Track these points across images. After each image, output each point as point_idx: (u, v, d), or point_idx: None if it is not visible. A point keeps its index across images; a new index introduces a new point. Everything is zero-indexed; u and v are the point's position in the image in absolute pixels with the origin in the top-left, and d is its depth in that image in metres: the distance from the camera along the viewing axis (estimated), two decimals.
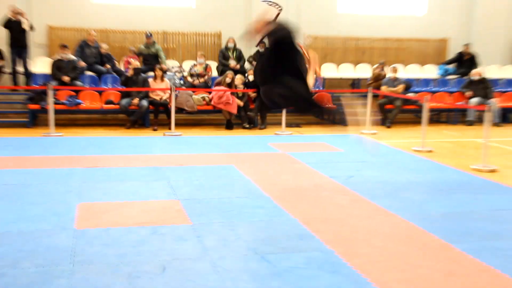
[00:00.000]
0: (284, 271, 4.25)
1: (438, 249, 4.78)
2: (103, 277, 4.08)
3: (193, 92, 12.29)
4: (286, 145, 10.01)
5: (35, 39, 13.78)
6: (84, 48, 13.03)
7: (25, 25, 12.43)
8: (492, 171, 8.14)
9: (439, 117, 14.55)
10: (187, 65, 13.45)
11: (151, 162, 8.22)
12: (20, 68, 12.70)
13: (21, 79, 12.86)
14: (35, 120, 12.21)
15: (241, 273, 4.20)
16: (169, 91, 11.51)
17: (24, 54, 12.67)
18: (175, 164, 8.07)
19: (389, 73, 13.53)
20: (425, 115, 10.03)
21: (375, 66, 14.17)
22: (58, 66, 12.19)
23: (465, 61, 15.03)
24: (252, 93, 12.39)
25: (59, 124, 12.18)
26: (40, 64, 13.31)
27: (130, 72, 11.94)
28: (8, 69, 12.79)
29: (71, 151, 9.00)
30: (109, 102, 12.00)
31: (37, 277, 4.09)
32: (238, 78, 12.24)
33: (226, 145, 9.95)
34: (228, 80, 12.18)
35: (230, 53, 13.56)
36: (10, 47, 12.55)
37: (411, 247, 4.83)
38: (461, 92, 14.00)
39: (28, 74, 12.76)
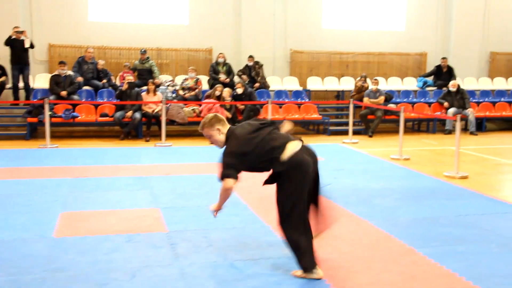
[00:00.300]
0: (249, 277, 4.11)
1: (402, 254, 4.64)
2: (72, 285, 3.95)
3: (184, 104, 12.16)
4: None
5: (36, 56, 13.67)
6: (81, 64, 12.92)
7: (26, 43, 12.29)
8: (464, 177, 7.99)
9: (419, 126, 14.39)
10: (179, 79, 13.31)
11: (138, 172, 8.08)
12: (21, 84, 12.56)
13: (22, 93, 12.70)
14: (35, 132, 12.09)
15: (208, 279, 4.07)
16: (160, 104, 11.36)
17: (25, 70, 12.54)
18: (161, 174, 7.93)
19: (370, 85, 13.37)
20: (402, 124, 9.89)
21: (358, 79, 14.03)
22: (56, 81, 12.05)
23: (443, 74, 14.92)
24: (240, 105, 12.26)
25: (57, 136, 12.08)
26: (41, 80, 13.19)
27: (124, 87, 11.82)
28: (9, 85, 12.63)
29: (64, 162, 8.86)
30: (104, 115, 11.87)
31: (7, 285, 3.96)
32: (226, 91, 12.12)
33: (214, 155, 9.73)
34: (217, 93, 12.07)
35: (220, 68, 13.44)
36: (12, 64, 12.41)
37: (377, 252, 4.69)
38: (439, 103, 13.85)
39: (28, 89, 12.62)
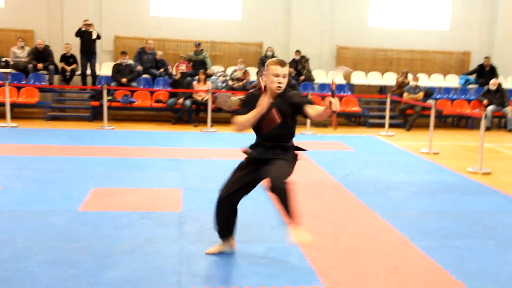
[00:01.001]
0: (241, 258, 3.98)
1: (397, 246, 4.39)
2: (76, 256, 3.94)
3: (232, 94, 12.09)
4: (304, 143, 9.51)
5: (104, 47, 13.96)
6: (142, 54, 13.07)
7: (94, 35, 12.53)
8: (486, 174, 7.55)
9: (458, 122, 13.78)
10: (230, 70, 13.26)
11: (175, 154, 8.07)
12: (89, 71, 12.82)
13: (90, 80, 12.98)
14: (99, 115, 12.30)
15: (200, 258, 3.97)
16: (210, 92, 11.33)
17: (92, 59, 12.80)
18: (194, 157, 7.89)
19: (411, 82, 12.88)
20: (432, 119, 9.45)
21: (399, 75, 13.55)
22: (118, 70, 12.26)
23: (485, 72, 14.21)
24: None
25: (118, 119, 12.31)
26: (106, 68, 13.44)
27: (177, 76, 11.89)
28: (78, 72, 12.93)
29: (113, 143, 8.98)
30: (158, 101, 11.99)
31: (21, 252, 4.00)
32: None
33: (251, 141, 9.66)
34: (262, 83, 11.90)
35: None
36: (81, 53, 12.69)
37: (372, 243, 4.46)
38: (478, 100, 13.20)
39: (95, 76, 12.88)
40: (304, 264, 3.90)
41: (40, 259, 3.84)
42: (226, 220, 3.94)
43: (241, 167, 3.90)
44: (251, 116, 3.60)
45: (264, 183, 3.63)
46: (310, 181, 6.62)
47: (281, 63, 3.56)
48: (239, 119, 3.70)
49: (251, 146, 3.88)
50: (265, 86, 3.64)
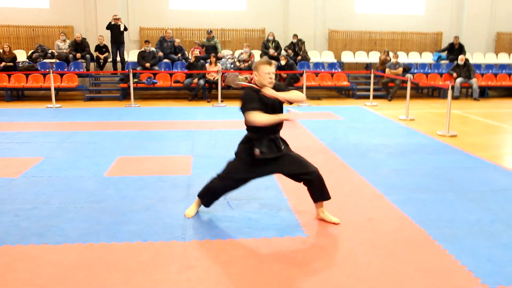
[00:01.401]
0: (238, 214, 3.96)
1: (371, 199, 4.34)
2: (100, 214, 3.94)
3: (239, 73, 11.95)
4: (300, 114, 9.51)
5: (131, 37, 13.81)
6: (162, 42, 12.91)
7: (121, 27, 12.38)
8: (453, 136, 7.43)
9: (433, 93, 13.54)
10: (238, 53, 13.06)
11: (190, 126, 8.01)
12: (118, 58, 12.73)
13: (119, 66, 12.89)
14: (127, 95, 12.24)
15: (202, 215, 3.94)
16: (220, 73, 11.20)
17: (121, 48, 12.67)
18: (206, 128, 7.83)
19: (392, 59, 12.62)
20: (408, 91, 9.29)
21: (382, 53, 13.28)
22: (142, 56, 12.14)
23: (455, 50, 13.86)
24: (283, 74, 11.90)
25: (144, 98, 12.25)
26: (133, 55, 13.32)
27: (192, 59, 11.75)
28: (110, 59, 12.84)
29: (138, 118, 8.93)
30: (176, 81, 11.89)
31: (56, 211, 4.02)
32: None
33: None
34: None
35: (270, 44, 13.07)
36: (112, 43, 12.57)
37: (351, 197, 4.41)
38: (449, 74, 12.93)
39: (123, 62, 12.77)
40: (291, 217, 3.87)
41: (70, 217, 3.86)
42: (215, 200, 3.86)
43: (250, 164, 3.60)
44: (275, 119, 3.46)
45: (291, 176, 3.65)
46: (302, 146, 6.55)
47: (269, 63, 3.54)
48: (260, 117, 3.43)
49: (256, 142, 3.57)
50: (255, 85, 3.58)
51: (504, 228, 3.67)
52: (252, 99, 3.53)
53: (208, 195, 3.80)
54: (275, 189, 4.59)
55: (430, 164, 5.58)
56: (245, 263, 3.06)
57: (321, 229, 3.60)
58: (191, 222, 3.75)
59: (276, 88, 3.56)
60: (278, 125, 3.59)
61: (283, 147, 3.60)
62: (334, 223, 3.70)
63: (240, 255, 3.17)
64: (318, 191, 3.64)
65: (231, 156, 4.23)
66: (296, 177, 3.64)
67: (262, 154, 3.52)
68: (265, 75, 3.48)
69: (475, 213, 3.97)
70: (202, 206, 3.93)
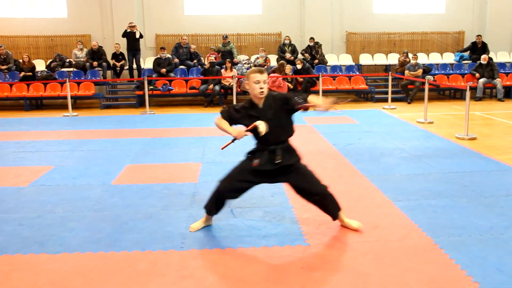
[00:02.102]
0: (240, 222, 3.93)
1: (378, 206, 4.25)
2: (102, 223, 3.96)
3: None
4: (315, 119, 9.40)
5: (147, 44, 13.99)
6: (178, 48, 13.03)
7: (137, 35, 12.54)
8: (472, 139, 7.24)
9: (455, 94, 13.26)
10: (254, 58, 13.09)
11: (202, 133, 8.02)
12: (134, 65, 12.89)
13: (136, 73, 13.05)
14: (143, 102, 12.34)
15: None
16: (236, 78, 11.22)
17: (137, 55, 12.83)
18: (218, 135, 7.78)
19: (411, 60, 12.44)
20: (426, 92, 9.12)
21: (401, 54, 13.11)
22: (158, 63, 12.27)
23: (478, 49, 13.58)
24: (299, 78, 11.84)
25: (160, 105, 12.37)
26: (149, 62, 13.47)
27: (207, 65, 11.82)
28: (126, 66, 13.02)
29: (151, 125, 9.00)
30: (192, 88, 11.96)
31: (59, 220, 4.07)
32: (288, 67, 11.73)
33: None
34: (286, 68, 11.72)
35: (286, 48, 13.06)
36: (128, 50, 12.75)
37: (358, 204, 4.33)
38: (471, 74, 12.66)
39: (140, 69, 12.93)
40: (294, 226, 3.82)
41: (72, 226, 3.89)
42: (221, 205, 3.72)
43: (250, 172, 3.54)
44: (226, 129, 3.53)
45: (301, 193, 3.59)
46: (314, 151, 6.50)
47: (260, 71, 3.39)
48: (220, 122, 3.55)
49: (255, 152, 3.55)
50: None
51: None
52: (236, 110, 3.51)
53: (211, 201, 3.69)
54: (281, 196, 4.54)
55: (444, 169, 5.45)
56: (241, 273, 3.03)
57: (323, 238, 3.54)
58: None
59: (275, 98, 3.43)
60: (276, 136, 3.43)
61: (280, 160, 3.43)
62: (356, 230, 3.63)
63: (237, 264, 3.14)
64: (329, 209, 3.62)
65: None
66: (302, 193, 3.57)
67: (260, 165, 3.46)
68: (255, 84, 3.35)
69: (487, 220, 3.85)
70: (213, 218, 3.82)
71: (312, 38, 13.13)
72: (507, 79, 12.76)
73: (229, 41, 13.18)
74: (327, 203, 3.58)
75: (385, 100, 11.81)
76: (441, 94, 13.61)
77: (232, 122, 3.55)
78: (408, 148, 6.62)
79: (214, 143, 7.08)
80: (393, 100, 11.62)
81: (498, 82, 12.11)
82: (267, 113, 3.41)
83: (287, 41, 13.10)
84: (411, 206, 4.21)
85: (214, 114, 10.13)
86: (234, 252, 3.33)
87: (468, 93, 7.46)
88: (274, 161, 3.45)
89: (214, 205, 3.69)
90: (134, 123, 9.35)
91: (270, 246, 3.41)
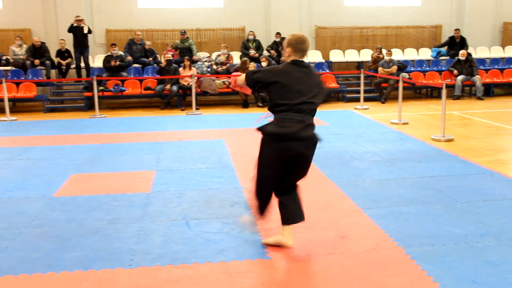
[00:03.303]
0: (196, 235, 3.89)
1: (347, 215, 4.29)
2: (41, 240, 3.86)
3: (216, 77, 11.93)
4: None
5: (96, 40, 13.78)
6: (131, 45, 12.88)
7: (85, 30, 12.33)
8: (449, 140, 7.42)
9: (432, 93, 13.56)
10: (214, 55, 13.06)
11: (156, 138, 7.94)
12: (82, 64, 12.67)
13: (84, 72, 12.83)
14: (93, 105, 12.16)
15: (157, 236, 3.88)
16: (195, 78, 11.18)
17: (85, 52, 12.61)
18: (174, 139, 7.77)
19: (385, 56, 12.67)
20: (400, 92, 9.29)
21: (374, 51, 13.34)
22: (109, 61, 12.09)
23: (456, 44, 13.96)
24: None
25: (111, 107, 12.21)
26: (99, 60, 13.24)
27: (163, 63, 11.73)
28: (73, 65, 12.79)
29: (101, 130, 8.85)
30: (147, 88, 11.84)
31: None
32: (251, 65, 11.77)
33: (233, 121, 9.52)
34: (249, 66, 11.75)
35: (250, 44, 13.10)
36: (74, 47, 12.51)
37: (325, 213, 4.36)
38: (449, 71, 13.00)
39: (88, 68, 12.72)
40: (255, 237, 3.81)
41: (5, 244, 3.78)
42: (266, 197, 3.46)
43: (275, 151, 3.30)
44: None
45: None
46: None
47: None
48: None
49: (280, 121, 3.27)
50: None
51: (494, 243, 3.64)
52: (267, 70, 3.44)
53: (260, 201, 3.44)
54: (242, 206, 4.53)
55: (418, 173, 5.56)
56: None
57: (286, 251, 3.54)
58: (143, 246, 3.68)
59: None
60: (306, 102, 3.25)
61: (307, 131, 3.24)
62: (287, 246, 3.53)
63: (192, 282, 3.11)
64: (287, 208, 3.46)
65: (199, 169, 4.18)
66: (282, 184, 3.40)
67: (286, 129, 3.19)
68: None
69: (463, 227, 3.94)
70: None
71: (278, 34, 13.21)
72: (486, 76, 13.16)
73: (187, 37, 13.12)
74: (292, 201, 3.43)
75: (357, 99, 11.97)
76: (417, 92, 13.92)
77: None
78: (380, 151, 6.72)
79: (170, 149, 7.03)
80: (366, 99, 11.80)
81: (477, 79, 12.46)
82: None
83: (251, 37, 13.15)
84: (382, 214, 4.27)
85: (171, 117, 10.19)
86: (189, 268, 3.29)
87: (444, 92, 7.64)
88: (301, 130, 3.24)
89: (263, 203, 3.43)
90: (82, 128, 9.17)
91: (228, 261, 3.39)
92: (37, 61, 12.47)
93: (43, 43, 12.82)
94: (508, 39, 15.24)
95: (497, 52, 14.81)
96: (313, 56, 13.98)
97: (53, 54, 12.84)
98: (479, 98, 12.44)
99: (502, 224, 4.00)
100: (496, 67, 13.79)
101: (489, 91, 13.06)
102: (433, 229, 3.91)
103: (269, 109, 3.35)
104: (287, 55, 3.43)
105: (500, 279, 3.08)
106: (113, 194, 4.98)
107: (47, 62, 12.56)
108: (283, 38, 13.17)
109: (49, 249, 3.66)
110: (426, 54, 14.43)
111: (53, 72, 12.92)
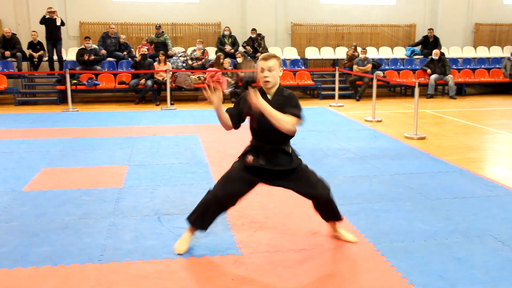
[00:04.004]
0: (168, 230, 3.87)
1: None
2: (8, 235, 3.79)
3: (191, 73, 11.87)
4: None
5: (70, 33, 13.59)
6: (105, 38, 12.73)
7: (58, 22, 12.13)
8: (421, 138, 7.52)
9: (406, 91, 13.76)
10: (190, 50, 13.00)
11: (129, 133, 7.86)
12: (55, 57, 12.47)
13: (57, 65, 12.62)
14: (65, 98, 11.98)
15: (128, 232, 3.85)
16: (170, 73, 11.10)
17: (58, 45, 12.42)
18: (149, 134, 7.70)
19: (360, 54, 12.77)
20: (374, 90, 9.39)
21: (349, 48, 13.44)
22: (82, 54, 11.92)
23: (430, 43, 14.18)
24: (240, 73, 11.87)
25: (84, 101, 12.04)
26: (73, 53, 13.06)
27: (138, 58, 11.62)
28: (45, 57, 12.57)
29: (74, 124, 8.71)
30: (121, 82, 11.72)
31: None
32: (226, 61, 11.75)
33: (208, 117, 9.48)
34: (220, 61, 11.73)
35: (226, 40, 13.07)
36: (47, 40, 12.31)
37: (297, 209, 4.36)
38: (422, 70, 13.19)
39: (61, 61, 12.53)
40: (227, 233, 3.81)
41: None
42: (215, 215, 3.41)
43: (243, 170, 3.38)
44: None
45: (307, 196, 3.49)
46: None
47: (264, 57, 3.23)
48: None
49: (250, 150, 3.41)
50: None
51: (462, 240, 3.70)
52: (240, 99, 3.37)
53: (200, 210, 3.38)
54: None
55: (390, 170, 5.63)
56: (165, 287, 2.98)
57: (258, 247, 3.55)
58: (113, 241, 3.64)
59: (285, 97, 3.27)
60: (275, 134, 3.25)
61: (277, 162, 3.33)
62: (350, 242, 3.62)
63: (162, 278, 3.09)
64: (326, 213, 3.56)
65: (172, 165, 4.14)
66: (304, 195, 3.49)
67: (255, 161, 3.31)
68: (260, 73, 3.23)
69: (432, 224, 4.00)
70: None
71: (254, 30, 13.21)
72: (459, 75, 13.40)
73: (163, 31, 13.02)
74: (323, 206, 3.51)
75: (332, 97, 12.06)
76: (392, 90, 14.09)
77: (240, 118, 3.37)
78: (354, 148, 6.78)
79: (143, 144, 6.97)
80: (341, 97, 11.90)
81: (450, 78, 12.67)
82: (275, 108, 3.19)
83: (227, 32, 13.12)
84: (354, 210, 4.31)
85: (145, 112, 10.10)
86: (159, 264, 3.27)
87: (417, 90, 7.74)
88: (270, 161, 3.33)
89: (207, 215, 3.36)
90: (54, 121, 9.03)
91: (198, 256, 3.38)
92: (7, 53, 12.24)
93: (14, 34, 12.58)
94: (480, 40, 15.54)
95: (469, 52, 15.09)
96: (288, 53, 14.03)
97: (24, 46, 12.62)
98: (451, 97, 12.65)
99: (470, 221, 4.07)
100: (468, 67, 14.06)
101: (461, 90, 13.30)
102: (404, 225, 3.96)
103: None
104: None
105: (467, 275, 3.14)
106: (84, 189, 4.91)
107: (18, 54, 12.33)
108: (259, 35, 13.21)
109: (17, 244, 3.59)
110: (400, 52, 14.61)
111: (25, 65, 12.69)
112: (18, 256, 3.40)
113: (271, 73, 3.23)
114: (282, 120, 3.11)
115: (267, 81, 3.24)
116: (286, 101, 3.26)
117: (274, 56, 3.27)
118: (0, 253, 3.45)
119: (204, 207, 3.38)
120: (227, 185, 3.34)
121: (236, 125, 3.39)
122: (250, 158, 3.36)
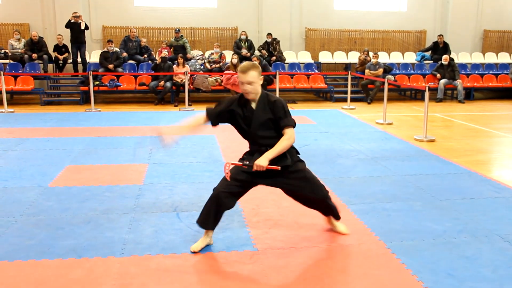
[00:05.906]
0: (187, 226, 3.90)
1: None
2: (35, 228, 3.84)
3: (209, 75, 11.91)
4: None
5: (93, 36, 13.68)
6: (127, 42, 12.82)
7: (82, 25, 12.25)
8: (431, 141, 7.47)
9: (416, 95, 13.66)
10: (208, 54, 13.03)
11: (149, 132, 7.90)
12: (79, 59, 12.59)
13: (81, 67, 12.74)
14: (88, 99, 12.06)
15: (148, 227, 3.88)
16: (188, 75, 11.15)
17: (82, 48, 12.53)
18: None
19: (372, 59, 12.71)
20: (386, 93, 9.34)
21: (361, 53, 13.39)
22: (105, 57, 12.02)
23: (439, 49, 14.06)
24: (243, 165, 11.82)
25: (106, 102, 12.13)
26: (96, 55, 13.17)
27: (158, 60, 11.69)
28: (70, 60, 12.70)
29: (96, 124, 8.80)
30: (141, 84, 11.79)
31: None
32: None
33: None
34: (234, 60, 11.75)
35: (242, 44, 13.08)
36: (71, 43, 12.43)
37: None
38: (432, 74, 13.09)
39: (85, 63, 12.64)
40: (243, 230, 3.83)
41: (1, 232, 3.76)
42: (219, 215, 3.42)
43: (244, 172, 3.37)
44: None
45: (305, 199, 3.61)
46: None
47: (242, 70, 3.19)
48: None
49: (247, 154, 3.45)
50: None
51: (470, 239, 3.68)
52: (221, 102, 3.43)
53: (206, 211, 3.37)
54: None
55: (401, 171, 5.60)
56: (184, 281, 3.00)
57: (273, 243, 3.56)
58: (134, 235, 3.68)
59: (270, 103, 3.26)
60: (267, 136, 3.30)
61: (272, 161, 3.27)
62: (342, 233, 3.71)
63: (181, 271, 3.12)
64: (324, 211, 3.69)
65: (190, 163, 4.14)
66: (298, 200, 3.60)
67: (248, 167, 3.30)
68: (240, 85, 3.25)
69: (441, 224, 3.98)
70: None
71: (269, 34, 13.21)
72: (467, 80, 13.29)
73: (182, 35, 13.08)
74: (323, 209, 3.64)
75: (345, 100, 12.00)
76: (402, 94, 14.00)
77: (218, 115, 3.48)
78: (365, 149, 6.75)
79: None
80: (353, 100, 11.85)
81: (459, 83, 12.57)
82: (260, 116, 3.27)
83: (243, 37, 13.13)
84: (365, 209, 4.30)
85: (164, 113, 10.15)
86: (178, 258, 3.30)
87: (427, 94, 7.69)
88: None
89: (212, 215, 3.35)
90: (77, 121, 9.12)
91: (216, 251, 3.41)
92: (34, 55, 12.36)
93: (41, 37, 12.71)
94: (488, 46, 15.39)
95: (478, 58, 14.95)
96: (302, 57, 14.01)
97: (50, 48, 12.74)
98: (460, 101, 12.55)
99: (478, 221, 4.04)
100: (476, 72, 13.93)
101: (470, 94, 13.17)
102: (413, 224, 3.94)
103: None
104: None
105: (475, 273, 3.12)
106: (106, 186, 4.96)
107: (45, 56, 12.46)
108: (274, 39, 13.21)
109: (43, 237, 3.64)
110: (411, 58, 14.51)
111: (50, 66, 12.83)
112: (45, 248, 3.45)
113: (251, 86, 3.20)
114: (285, 146, 3.25)
115: (248, 93, 3.24)
116: (275, 108, 3.25)
117: (252, 67, 3.21)
118: (28, 245, 3.50)
119: (209, 209, 3.39)
120: (228, 186, 3.35)
121: (214, 122, 3.56)
122: (245, 163, 3.33)
